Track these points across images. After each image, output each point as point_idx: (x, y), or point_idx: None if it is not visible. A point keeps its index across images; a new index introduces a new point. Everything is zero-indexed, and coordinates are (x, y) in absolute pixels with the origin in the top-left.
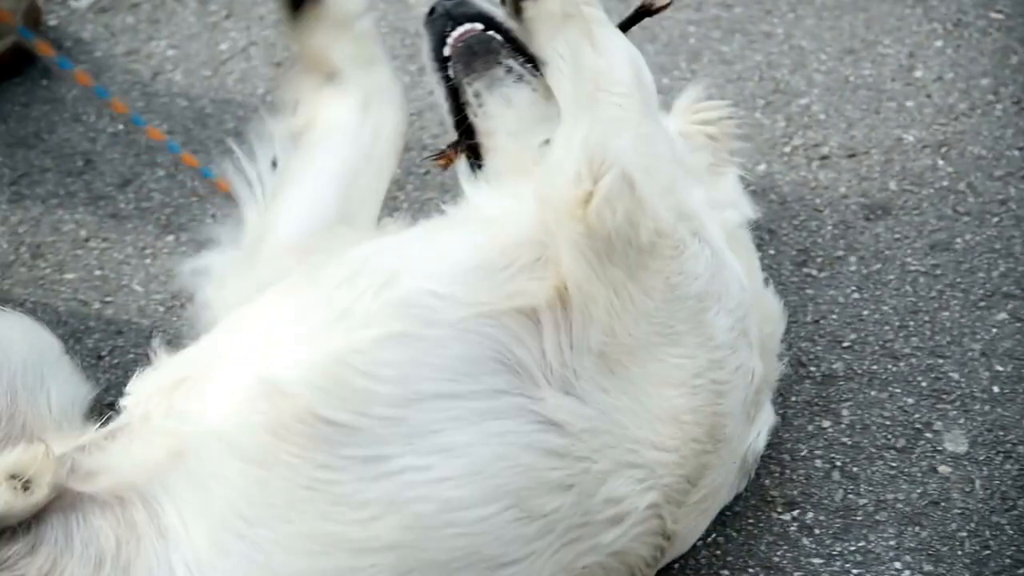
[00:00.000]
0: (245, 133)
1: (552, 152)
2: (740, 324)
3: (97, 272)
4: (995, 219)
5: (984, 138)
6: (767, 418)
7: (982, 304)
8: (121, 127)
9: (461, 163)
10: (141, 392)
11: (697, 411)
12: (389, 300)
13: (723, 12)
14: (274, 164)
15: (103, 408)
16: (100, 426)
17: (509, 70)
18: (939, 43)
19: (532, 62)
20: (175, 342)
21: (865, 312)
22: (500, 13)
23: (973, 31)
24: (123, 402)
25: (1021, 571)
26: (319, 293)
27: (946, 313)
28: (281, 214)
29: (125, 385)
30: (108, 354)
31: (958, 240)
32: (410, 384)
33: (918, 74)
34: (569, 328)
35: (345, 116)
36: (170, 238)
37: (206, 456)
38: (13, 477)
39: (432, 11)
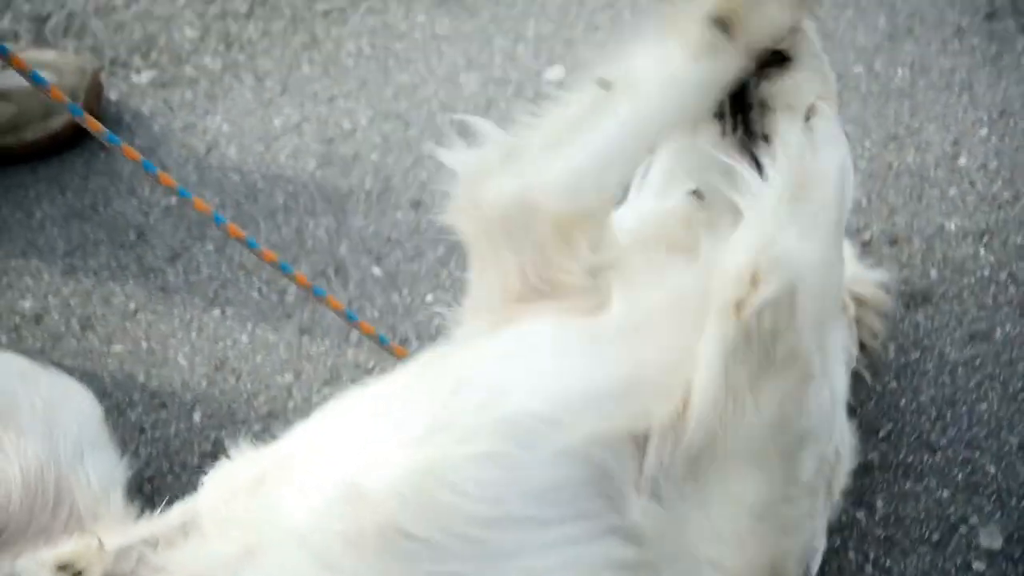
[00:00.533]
0: (295, 209)
1: (730, 243)
2: (826, 473)
3: (144, 344)
4: None
5: None
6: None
7: (1021, 397)
8: (173, 201)
9: None
10: (218, 486)
11: (762, 541)
12: (492, 417)
13: None
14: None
15: (143, 482)
16: (160, 512)
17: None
18: (984, 131)
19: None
20: (215, 416)
21: (902, 402)
22: None
23: (1018, 120)
24: (198, 496)
25: None
26: (422, 399)
27: (984, 405)
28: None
29: (166, 458)
30: (150, 427)
31: (998, 331)
32: (498, 506)
33: (962, 162)
34: (676, 438)
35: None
36: (216, 312)
37: (279, 555)
38: (62, 569)
39: None
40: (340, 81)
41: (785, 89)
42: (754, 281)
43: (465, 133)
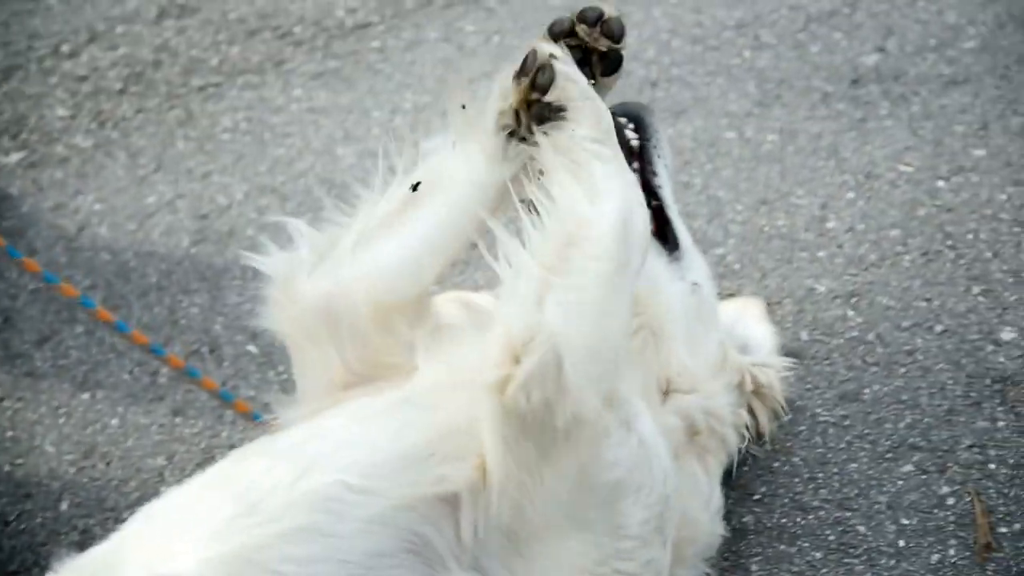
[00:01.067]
0: (168, 287)
1: (493, 318)
2: (657, 520)
3: (9, 433)
4: (902, 369)
5: (893, 288)
6: None
7: (889, 456)
8: (42, 284)
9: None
10: None
11: None
12: (302, 493)
13: None
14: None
15: None
16: None
17: None
18: (851, 195)
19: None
20: (84, 505)
21: (776, 464)
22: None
23: (883, 183)
24: None
25: None
26: (235, 485)
27: (854, 465)
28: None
29: (31, 551)
30: (15, 519)
31: (866, 391)
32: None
33: (830, 225)
34: (486, 506)
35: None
36: (85, 396)
37: None
38: None
39: None
40: (215, 157)
41: (556, 141)
42: (515, 358)
43: (280, 235)
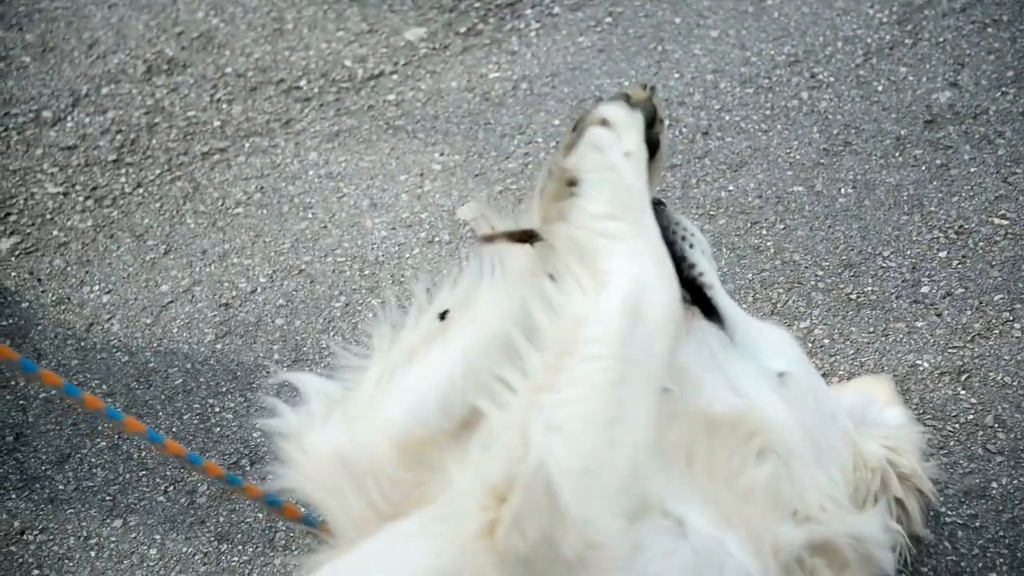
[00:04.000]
0: (196, 390)
1: (469, 462)
2: None
3: (35, 572)
4: None
5: (1006, 362)
6: None
7: None
8: (54, 391)
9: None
10: None
11: None
12: None
13: (706, 224)
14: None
15: None
16: None
17: None
18: (943, 254)
19: None
20: None
21: None
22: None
23: (978, 239)
24: None
25: None
26: None
27: (993, 574)
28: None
29: None
30: None
31: (994, 484)
32: None
33: (925, 290)
34: None
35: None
36: (117, 523)
37: None
38: None
39: None
40: (231, 235)
41: (568, 225)
42: (499, 499)
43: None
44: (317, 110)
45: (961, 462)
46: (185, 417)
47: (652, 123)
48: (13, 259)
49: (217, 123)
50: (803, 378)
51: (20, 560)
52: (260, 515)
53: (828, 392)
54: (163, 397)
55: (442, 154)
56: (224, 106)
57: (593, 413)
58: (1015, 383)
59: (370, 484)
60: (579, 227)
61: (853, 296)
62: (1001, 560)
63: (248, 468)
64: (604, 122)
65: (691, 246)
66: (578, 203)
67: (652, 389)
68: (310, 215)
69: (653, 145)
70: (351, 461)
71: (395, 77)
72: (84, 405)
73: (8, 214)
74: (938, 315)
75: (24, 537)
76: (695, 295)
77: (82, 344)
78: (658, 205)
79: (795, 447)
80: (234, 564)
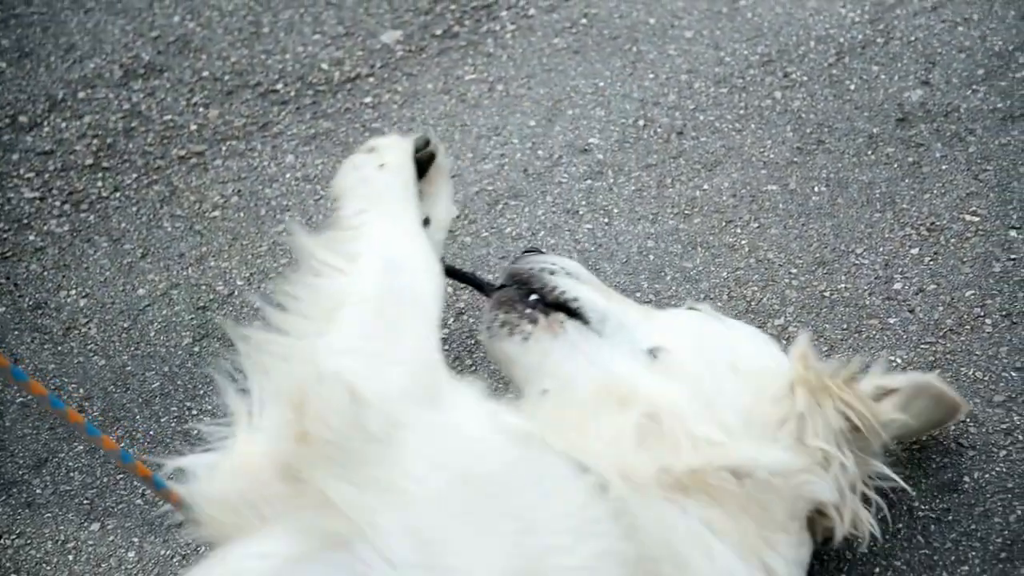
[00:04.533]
0: (173, 393)
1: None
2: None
3: None
4: (1002, 452)
5: (977, 358)
6: None
7: (1003, 556)
8: (30, 396)
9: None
10: None
11: None
12: None
13: (682, 223)
14: None
15: None
16: None
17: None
18: (915, 251)
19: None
20: None
21: (876, 570)
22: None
23: (950, 236)
24: None
25: None
26: None
27: (965, 568)
28: None
29: None
30: None
31: (966, 479)
32: None
33: (897, 287)
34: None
35: None
36: (95, 527)
37: None
38: None
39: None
40: (208, 238)
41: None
42: (299, 407)
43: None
44: (294, 113)
45: (934, 457)
46: (163, 420)
47: (426, 145)
48: None
49: (194, 127)
50: (682, 347)
51: None
52: None
53: (731, 348)
54: (140, 400)
55: None
56: (201, 110)
57: (371, 327)
58: (986, 378)
59: (262, 507)
60: (336, 230)
61: (827, 293)
62: (973, 553)
63: None
64: (371, 149)
65: (553, 274)
66: (337, 214)
67: (427, 320)
68: (287, 218)
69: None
70: (234, 499)
71: (371, 80)
72: (67, 418)
73: None
74: (911, 311)
75: (1, 542)
76: (565, 311)
77: (59, 348)
78: (531, 252)
79: (666, 404)
80: None
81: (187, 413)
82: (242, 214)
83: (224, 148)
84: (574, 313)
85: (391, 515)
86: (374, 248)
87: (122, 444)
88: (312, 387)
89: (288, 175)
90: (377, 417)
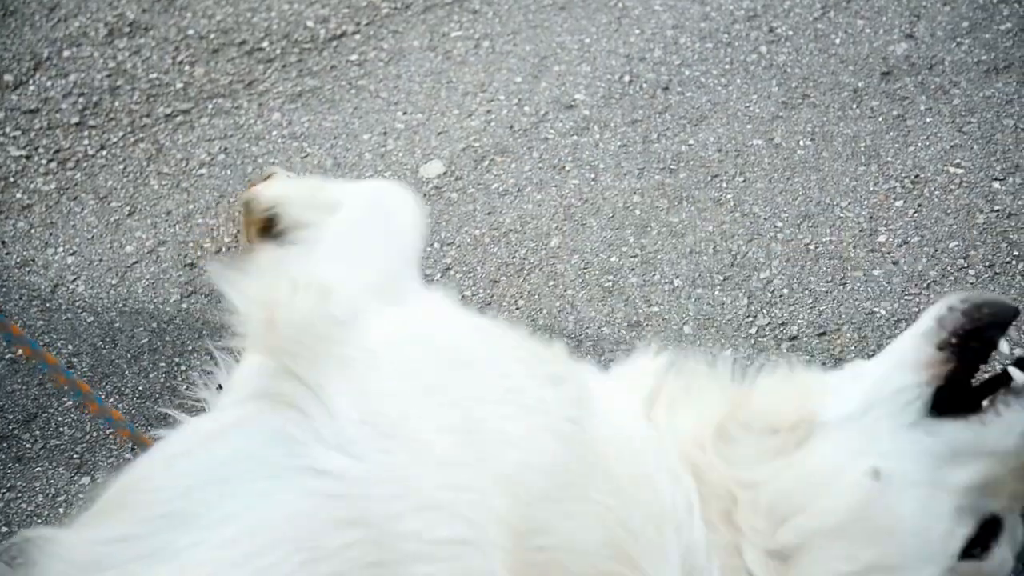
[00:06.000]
0: (161, 349)
1: None
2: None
3: (3, 529)
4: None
5: None
6: None
7: None
8: (20, 352)
9: None
10: None
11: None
12: None
13: (668, 178)
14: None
15: None
16: None
17: None
18: (900, 203)
19: None
20: None
21: None
22: None
23: (934, 188)
24: None
25: None
26: None
27: None
28: None
29: None
30: None
31: None
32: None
33: (882, 239)
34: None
35: None
36: (85, 480)
37: None
38: None
39: None
40: (195, 195)
41: None
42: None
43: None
44: (280, 71)
45: None
46: (151, 375)
47: None
48: None
49: (180, 85)
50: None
51: None
52: None
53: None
54: (129, 356)
55: (405, 113)
56: (187, 68)
57: (348, 249)
58: None
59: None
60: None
61: (812, 246)
62: None
63: None
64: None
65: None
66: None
67: (405, 247)
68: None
69: None
70: None
71: (357, 37)
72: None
73: None
74: (895, 263)
75: None
76: None
77: (47, 305)
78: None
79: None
80: None
81: (175, 368)
82: (228, 171)
83: (210, 106)
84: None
85: (340, 377)
86: (353, 192)
87: (110, 400)
88: (286, 294)
89: (274, 132)
90: (341, 304)
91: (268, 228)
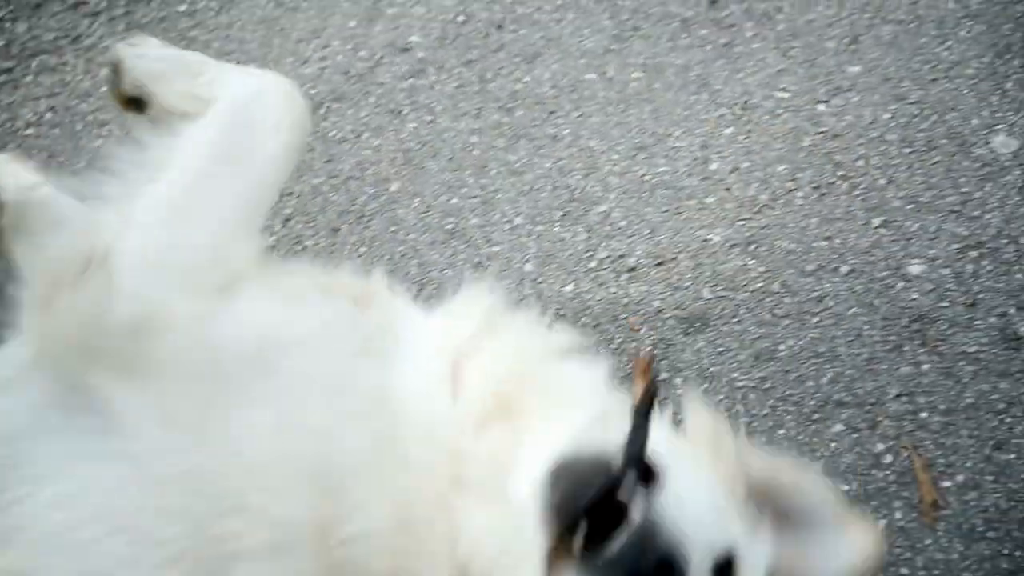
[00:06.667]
0: None
1: None
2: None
3: None
4: (815, 319)
5: (790, 230)
6: None
7: (816, 417)
8: None
9: None
10: None
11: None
12: None
13: (505, 117)
14: None
15: None
16: None
17: None
18: (730, 130)
19: None
20: None
21: None
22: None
23: (762, 113)
24: None
25: None
26: None
27: (782, 431)
28: None
29: None
30: None
31: (781, 347)
32: None
33: (714, 167)
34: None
35: None
36: None
37: None
38: None
39: None
40: (23, 156)
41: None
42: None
43: None
44: (107, 24)
45: (751, 328)
46: None
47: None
48: None
49: (1, 43)
50: None
51: None
52: None
53: None
54: None
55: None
56: (7, 25)
57: (182, 198)
58: (799, 249)
59: None
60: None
61: (647, 178)
62: (789, 417)
63: None
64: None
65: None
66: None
67: (254, 190)
68: (105, 132)
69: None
70: None
71: None
72: None
73: None
74: (727, 190)
75: None
76: None
77: None
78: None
79: None
80: None
81: None
82: (58, 131)
83: (35, 64)
84: None
85: (131, 387)
86: (232, 90)
87: None
88: (74, 271)
89: (104, 89)
90: (124, 308)
91: (138, 104)
